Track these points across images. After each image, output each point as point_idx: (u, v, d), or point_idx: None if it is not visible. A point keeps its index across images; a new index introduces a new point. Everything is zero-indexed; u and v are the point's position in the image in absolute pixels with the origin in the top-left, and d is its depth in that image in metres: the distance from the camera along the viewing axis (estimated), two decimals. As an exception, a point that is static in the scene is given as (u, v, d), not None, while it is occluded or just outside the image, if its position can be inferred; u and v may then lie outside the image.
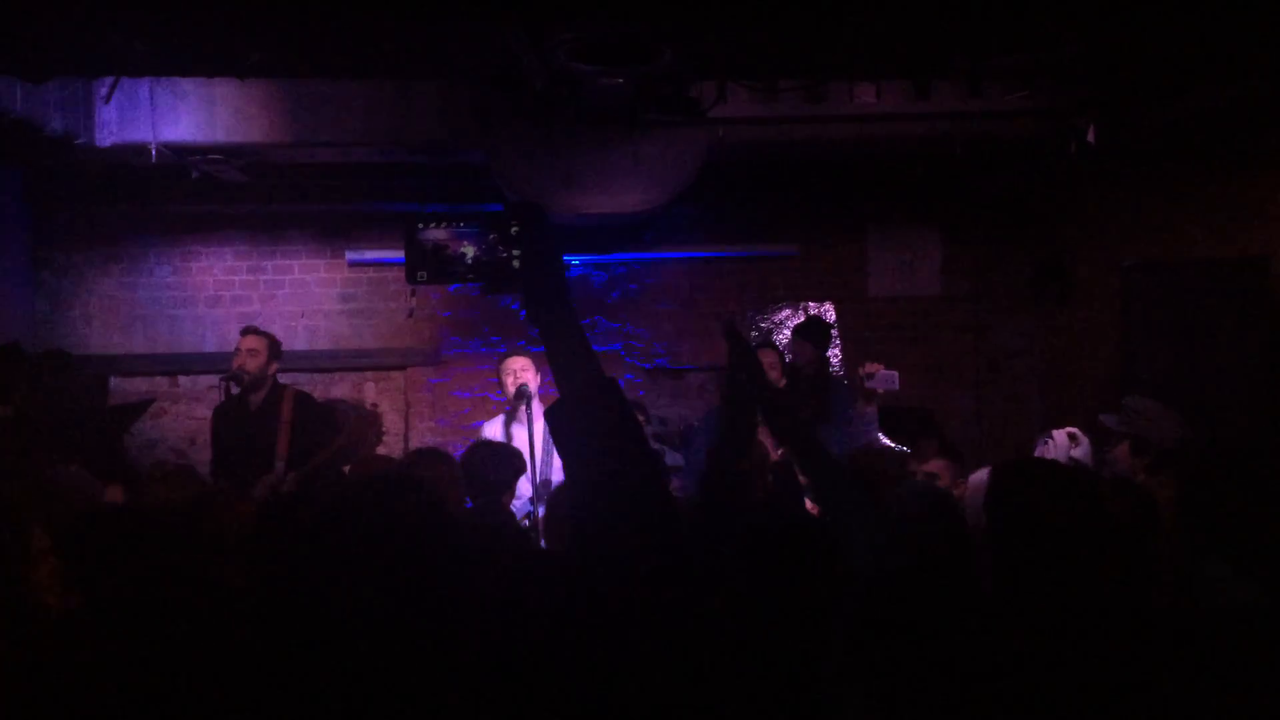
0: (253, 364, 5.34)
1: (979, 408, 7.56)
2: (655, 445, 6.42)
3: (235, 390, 5.36)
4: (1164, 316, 5.80)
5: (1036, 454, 4.16)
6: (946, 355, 7.54)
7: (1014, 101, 5.15)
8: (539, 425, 5.04)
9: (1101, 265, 6.60)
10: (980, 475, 3.50)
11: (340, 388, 7.22)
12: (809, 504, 3.80)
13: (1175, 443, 3.72)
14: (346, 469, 5.48)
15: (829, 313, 7.22)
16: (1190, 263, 5.80)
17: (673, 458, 6.13)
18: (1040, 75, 5.07)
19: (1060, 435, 4.06)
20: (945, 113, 5.29)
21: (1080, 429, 4.36)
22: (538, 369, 5.18)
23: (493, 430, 5.26)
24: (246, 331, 5.47)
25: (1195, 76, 4.52)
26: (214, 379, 6.03)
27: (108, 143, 5.13)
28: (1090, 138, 5.07)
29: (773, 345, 5.63)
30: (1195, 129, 5.15)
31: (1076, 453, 3.96)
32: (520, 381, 5.02)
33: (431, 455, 3.72)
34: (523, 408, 4.86)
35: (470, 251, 1.71)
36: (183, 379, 7.12)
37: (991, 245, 7.53)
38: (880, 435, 6.22)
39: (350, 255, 7.15)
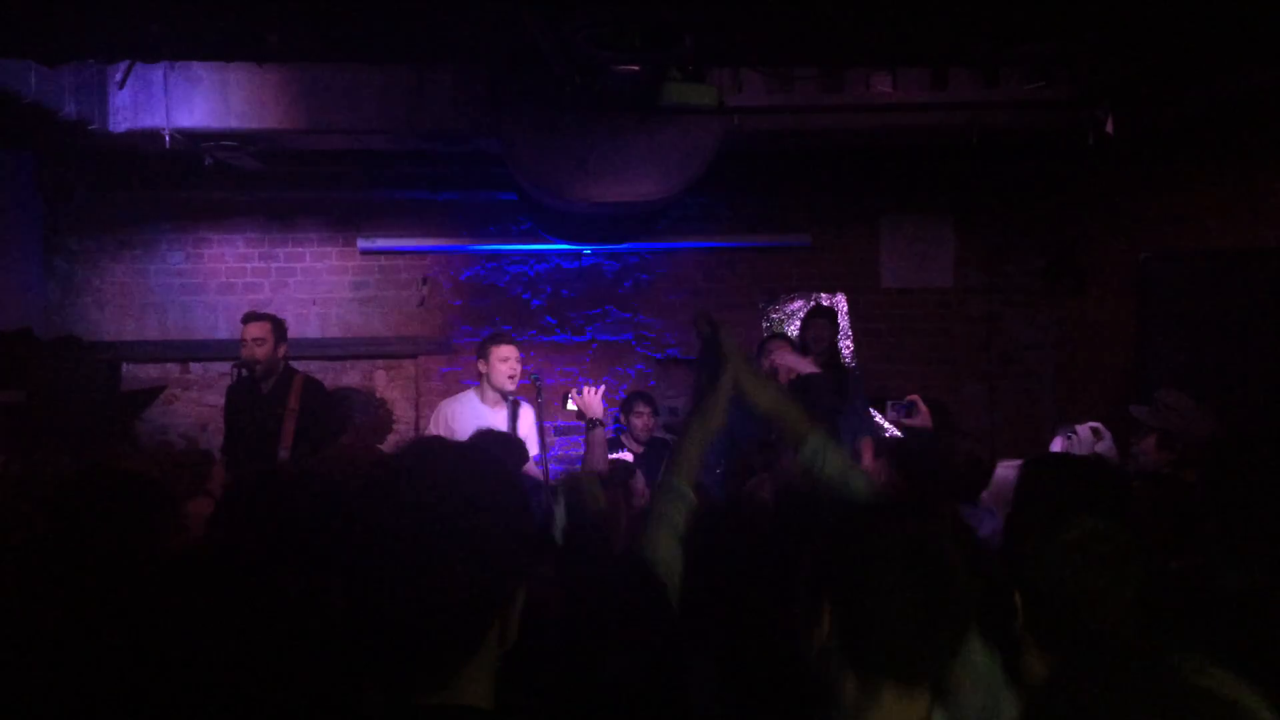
0: (261, 352, 5.32)
1: (992, 399, 7.53)
2: (666, 436, 6.41)
3: (245, 374, 5.37)
4: (1181, 308, 5.76)
5: (1058, 448, 4.14)
6: (960, 347, 7.51)
7: (1032, 92, 5.11)
8: (530, 419, 5.07)
9: (1117, 256, 6.56)
10: (1004, 471, 3.48)
11: (351, 376, 7.22)
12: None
13: (1205, 439, 3.68)
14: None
15: (841, 303, 7.19)
16: (1208, 254, 5.76)
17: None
18: (1058, 65, 5.04)
19: (1084, 430, 4.05)
20: (962, 103, 5.26)
21: (1096, 422, 4.35)
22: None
23: (458, 409, 5.19)
24: (249, 319, 5.42)
25: (1214, 65, 4.47)
26: (226, 366, 6.04)
27: (121, 128, 5.12)
28: (1109, 128, 5.02)
29: (783, 335, 5.61)
30: (1214, 118, 5.11)
31: (1100, 447, 3.95)
32: (515, 373, 5.05)
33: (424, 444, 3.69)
34: (514, 403, 4.89)
35: None
36: (194, 366, 7.12)
37: (1005, 236, 7.48)
38: (890, 426, 6.22)
39: (362, 243, 7.14)
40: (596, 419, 4.50)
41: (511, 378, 5.05)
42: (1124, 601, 1.74)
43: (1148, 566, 1.81)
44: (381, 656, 1.19)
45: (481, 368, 5.15)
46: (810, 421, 2.03)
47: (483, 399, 5.14)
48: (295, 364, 5.69)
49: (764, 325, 7.05)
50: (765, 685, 1.83)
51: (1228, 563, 2.29)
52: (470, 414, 5.05)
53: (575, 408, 4.63)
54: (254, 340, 5.32)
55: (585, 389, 4.63)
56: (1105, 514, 1.86)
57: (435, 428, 5.16)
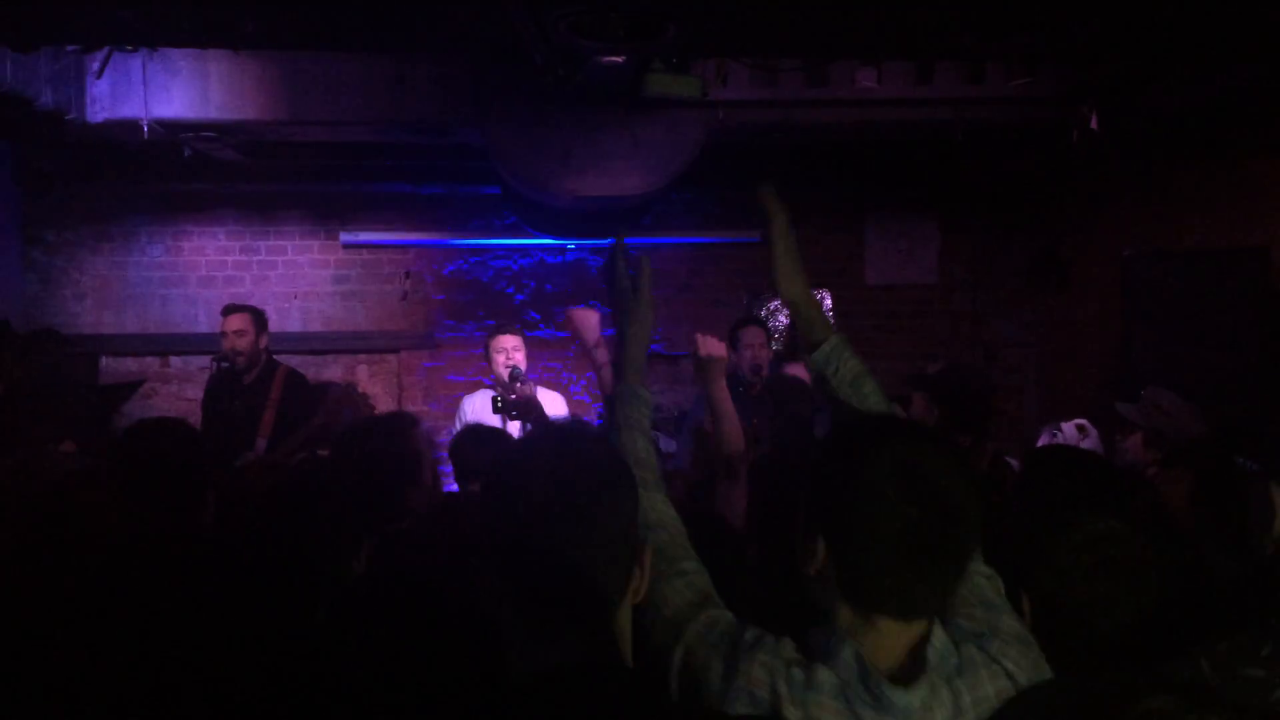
0: (243, 344, 5.28)
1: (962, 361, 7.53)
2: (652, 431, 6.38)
3: (226, 366, 5.32)
4: (1164, 306, 5.77)
5: (1043, 445, 4.13)
6: (942, 344, 7.50)
7: (1017, 88, 5.11)
8: (559, 406, 5.01)
9: (1100, 254, 6.57)
10: None
11: (333, 370, 7.17)
12: None
13: (1191, 439, 3.66)
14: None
15: (826, 299, 7.18)
16: (1190, 252, 5.77)
17: (666, 444, 6.09)
18: (1044, 62, 5.03)
19: (1069, 427, 4.04)
20: (947, 98, 5.24)
21: (1082, 419, 4.33)
22: (528, 350, 5.18)
23: (475, 404, 5.19)
24: (229, 311, 5.38)
25: (1200, 62, 4.47)
26: (205, 360, 5.97)
27: (99, 118, 5.05)
28: (1093, 125, 5.02)
29: (759, 321, 5.58)
30: (1199, 116, 5.11)
31: (1086, 444, 3.93)
32: (512, 362, 4.99)
33: (398, 421, 3.64)
34: (520, 389, 4.81)
35: None
36: (174, 359, 7.06)
37: (989, 233, 7.49)
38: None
39: (344, 237, 7.09)
40: (539, 415, 4.46)
41: (508, 367, 5.01)
42: (1137, 606, 1.68)
43: (1163, 570, 1.75)
44: (534, 616, 1.29)
45: (486, 362, 5.17)
46: (829, 324, 1.96)
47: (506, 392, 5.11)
48: (276, 358, 5.65)
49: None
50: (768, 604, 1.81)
51: (1216, 558, 2.28)
52: (483, 408, 5.03)
53: (504, 405, 4.58)
54: (235, 333, 5.28)
55: (520, 385, 4.59)
56: (1113, 513, 1.82)
57: (458, 424, 5.15)
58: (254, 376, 5.31)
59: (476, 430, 4.01)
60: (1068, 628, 1.69)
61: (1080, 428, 4.17)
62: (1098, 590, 1.68)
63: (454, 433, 5.18)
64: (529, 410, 4.50)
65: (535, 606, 1.29)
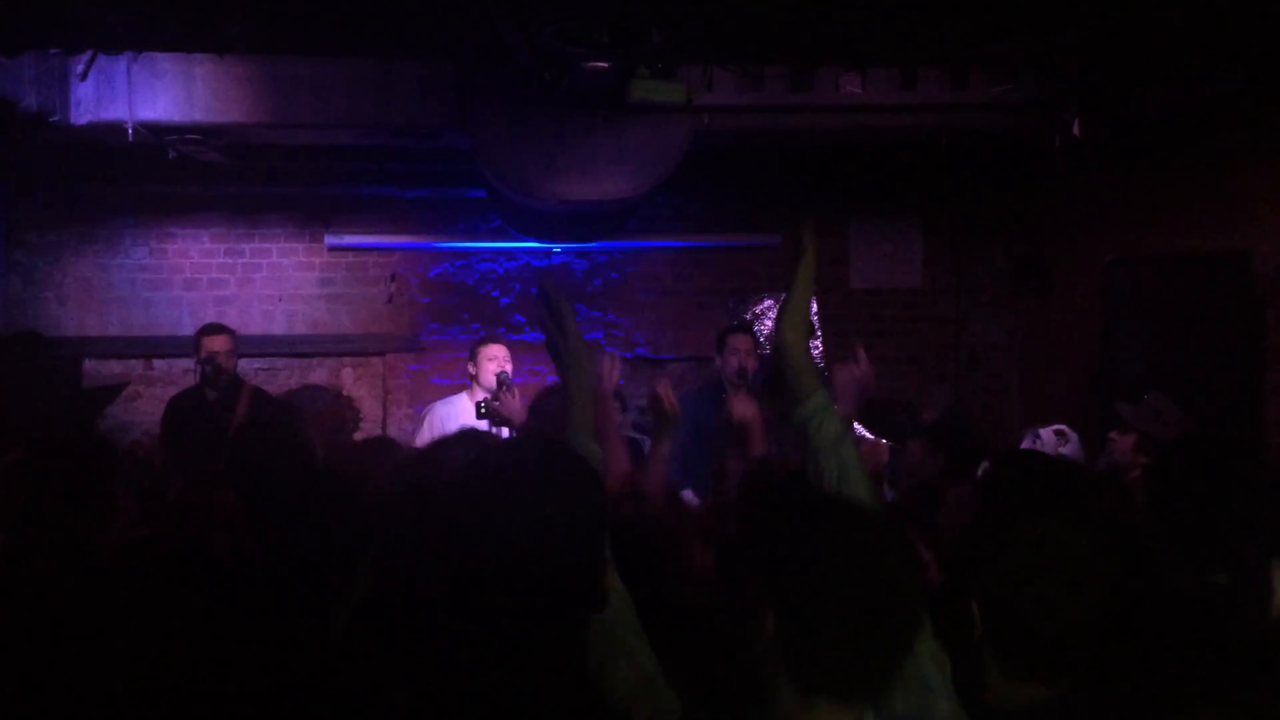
0: (232, 364, 5.37)
1: (958, 400, 7.57)
2: (634, 434, 6.38)
3: (210, 372, 5.33)
4: (1144, 311, 5.81)
5: (1006, 452, 4.16)
6: (926, 348, 7.54)
7: (1000, 94, 5.15)
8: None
9: (1082, 259, 6.61)
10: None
11: (318, 373, 7.15)
12: None
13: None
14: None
15: (811, 303, 7.20)
16: (1171, 258, 5.81)
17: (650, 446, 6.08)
18: (1026, 68, 5.07)
19: (1048, 433, 4.07)
20: (931, 104, 5.28)
21: (1063, 425, 4.36)
22: (514, 353, 5.19)
23: (451, 410, 5.18)
24: (216, 331, 5.40)
25: (1181, 69, 4.52)
26: (189, 362, 5.94)
27: (83, 121, 5.03)
28: (1075, 130, 5.06)
29: (747, 329, 5.61)
30: (1179, 122, 5.15)
31: (1065, 450, 3.96)
32: (501, 369, 5.00)
33: (375, 447, 3.70)
34: (505, 395, 4.81)
35: None
36: (158, 362, 7.03)
37: (973, 238, 7.53)
38: (859, 428, 6.23)
39: (329, 239, 7.08)
40: (522, 424, 4.45)
41: (494, 372, 5.03)
42: (1083, 608, 1.68)
43: (1106, 574, 1.76)
44: (508, 626, 1.29)
45: (471, 369, 5.20)
46: (819, 380, 1.94)
47: (473, 400, 5.11)
48: (261, 361, 5.65)
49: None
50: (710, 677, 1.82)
51: (1177, 564, 2.30)
52: (462, 416, 5.02)
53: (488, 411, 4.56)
54: (226, 354, 5.32)
55: (501, 394, 4.58)
56: (1064, 515, 1.83)
57: (428, 430, 5.13)
58: (219, 394, 5.32)
59: (470, 434, 4.01)
60: (1017, 632, 1.69)
61: (1059, 433, 4.20)
62: (1041, 592, 1.68)
63: (422, 439, 5.19)
64: (513, 417, 4.50)
65: (516, 616, 1.28)
